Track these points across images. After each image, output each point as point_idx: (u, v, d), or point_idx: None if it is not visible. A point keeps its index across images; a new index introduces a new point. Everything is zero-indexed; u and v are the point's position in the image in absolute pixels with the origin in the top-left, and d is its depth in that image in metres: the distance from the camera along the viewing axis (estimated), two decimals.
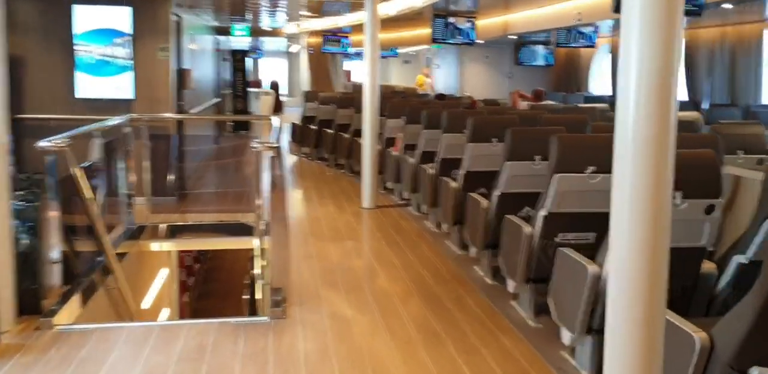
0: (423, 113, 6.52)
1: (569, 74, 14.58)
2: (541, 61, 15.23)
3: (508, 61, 15.30)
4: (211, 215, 6.57)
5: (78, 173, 4.04)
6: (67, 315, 4.00)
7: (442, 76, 16.79)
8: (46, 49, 7.12)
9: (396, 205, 7.24)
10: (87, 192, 4.17)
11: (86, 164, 4.92)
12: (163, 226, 6.11)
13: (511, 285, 4.02)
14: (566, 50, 14.39)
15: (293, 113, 21.00)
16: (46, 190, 3.83)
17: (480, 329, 3.73)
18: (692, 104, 9.85)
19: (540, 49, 15.08)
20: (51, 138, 3.90)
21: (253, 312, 9.50)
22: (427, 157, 6.43)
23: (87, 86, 7.09)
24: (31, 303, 3.82)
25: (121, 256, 5.69)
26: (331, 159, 10.21)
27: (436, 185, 5.86)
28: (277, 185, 3.92)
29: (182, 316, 9.67)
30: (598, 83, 13.97)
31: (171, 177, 7.39)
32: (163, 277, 7.44)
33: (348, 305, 4.11)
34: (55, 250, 3.95)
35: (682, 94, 10.70)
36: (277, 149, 3.76)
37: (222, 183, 9.16)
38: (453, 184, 5.25)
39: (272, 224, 4.08)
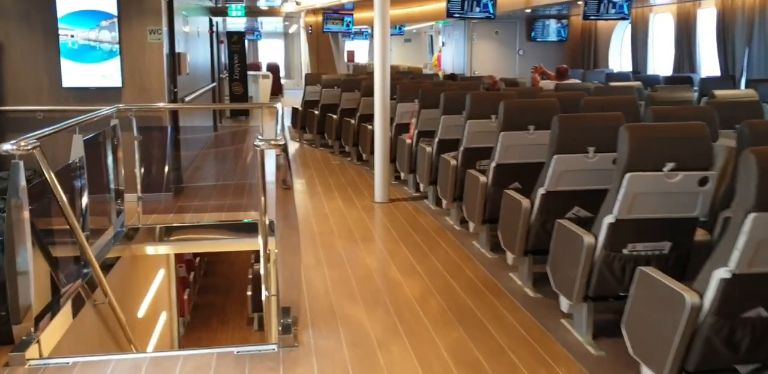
0: (442, 97, 5.89)
1: (585, 50, 13.85)
2: (553, 37, 14.49)
3: (518, 37, 14.57)
4: (211, 214, 5.98)
5: (50, 177, 3.44)
6: (46, 342, 3.43)
7: (450, 54, 16.07)
8: (27, 34, 6.47)
9: (411, 198, 6.64)
10: (61, 198, 3.57)
11: (70, 162, 4.34)
12: (157, 228, 5.53)
13: (564, 304, 3.43)
14: (581, 24, 13.66)
15: (292, 97, 20.42)
16: (10, 199, 3.24)
17: (527, 355, 3.16)
18: (728, 78, 9.14)
19: (553, 23, 14.33)
20: (16, 140, 3.30)
21: (257, 308, 8.98)
22: (447, 145, 5.82)
23: (73, 74, 6.46)
24: (0, 333, 3.26)
25: (114, 260, 5.12)
26: (336, 146, 9.60)
27: (459, 178, 5.27)
28: (283, 185, 3.30)
29: (182, 314, 9.16)
30: (617, 60, 13.26)
31: (165, 171, 6.80)
32: (160, 278, 6.89)
33: (370, 326, 3.54)
34: (26, 267, 3.37)
35: (713, 68, 10.01)
36: (284, 147, 3.14)
37: (221, 175, 8.57)
38: (482, 178, 4.65)
39: (278, 223, 3.50)
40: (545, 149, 3.85)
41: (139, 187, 5.59)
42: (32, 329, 3.31)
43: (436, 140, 5.97)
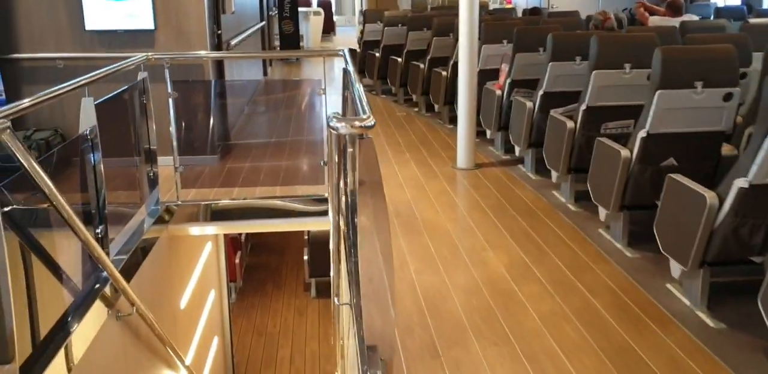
0: (551, 38, 4.63)
1: None
2: None
3: None
4: (263, 187, 4.94)
5: (29, 165, 2.37)
6: None
7: None
8: None
9: (500, 162, 5.49)
10: (48, 188, 2.49)
11: (79, 134, 3.32)
12: (201, 205, 4.54)
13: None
14: None
15: (345, 35, 18.99)
16: None
17: None
18: None
19: None
20: None
21: (314, 273, 8.09)
22: (555, 100, 4.62)
23: (98, 15, 5.38)
24: None
25: (146, 243, 4.16)
26: (401, 94, 8.41)
27: (579, 144, 4.12)
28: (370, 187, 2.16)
29: (233, 279, 8.36)
30: None
31: (210, 131, 5.80)
32: (206, 254, 5.98)
33: None
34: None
35: None
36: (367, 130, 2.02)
37: (275, 130, 7.48)
38: (623, 152, 3.48)
39: (362, 224, 2.41)
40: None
41: (175, 156, 4.55)
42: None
43: (540, 92, 4.76)
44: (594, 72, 3.97)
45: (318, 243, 8.13)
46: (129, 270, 3.62)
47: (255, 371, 7.20)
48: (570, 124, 4.17)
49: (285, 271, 9.67)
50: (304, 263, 8.82)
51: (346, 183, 2.54)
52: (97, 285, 3.10)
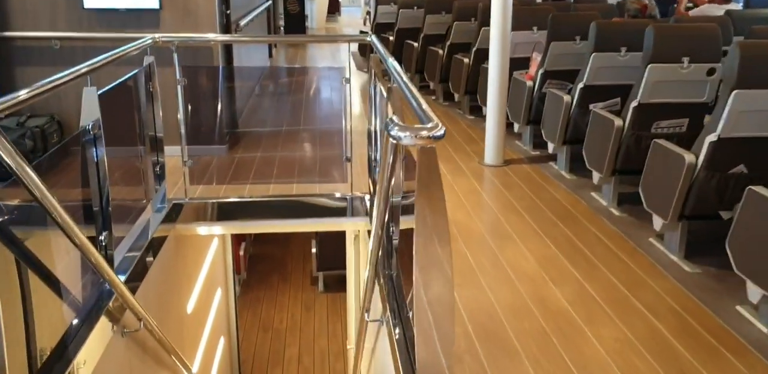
0: (594, 27, 4.24)
1: None
2: None
3: None
4: (277, 185, 4.57)
5: (17, 167, 1.98)
6: None
7: None
8: None
9: (529, 159, 5.14)
10: (42, 193, 2.10)
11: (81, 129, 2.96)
12: (209, 203, 4.19)
13: None
14: None
15: (350, 16, 18.48)
16: None
17: None
18: None
19: None
20: None
21: (323, 266, 7.75)
22: (596, 94, 4.27)
23: None
24: None
25: (152, 244, 3.81)
26: (416, 81, 8.01)
27: (627, 144, 3.77)
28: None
29: (238, 270, 8.02)
30: None
31: (217, 119, 5.43)
32: (213, 250, 5.64)
33: None
34: None
35: None
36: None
37: (284, 117, 7.10)
38: (688, 157, 3.12)
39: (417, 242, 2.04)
40: None
41: (184, 148, 4.18)
42: None
43: (580, 85, 4.38)
44: (650, 66, 3.61)
45: (327, 236, 7.78)
46: (136, 277, 3.29)
47: (262, 369, 6.89)
48: (618, 122, 3.81)
49: (291, 263, 9.34)
50: (312, 256, 8.49)
51: (397, 196, 2.20)
52: (102, 301, 2.76)
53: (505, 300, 2.95)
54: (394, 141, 1.68)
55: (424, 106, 1.90)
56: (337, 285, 8.30)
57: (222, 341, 6.01)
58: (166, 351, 3.49)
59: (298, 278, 8.93)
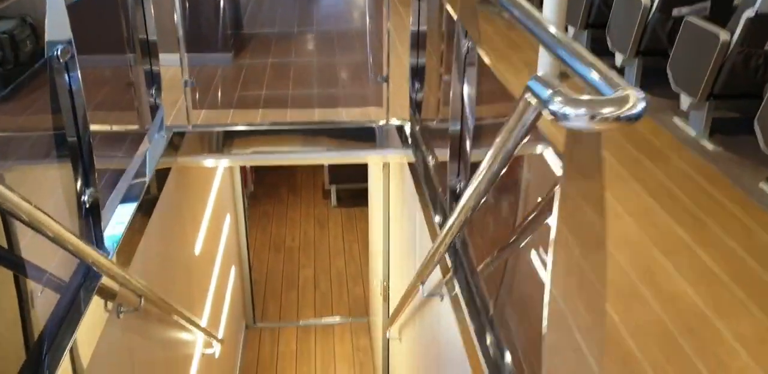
0: None
1: None
2: None
3: None
4: (293, 110, 3.84)
5: None
6: None
7: None
8: None
9: None
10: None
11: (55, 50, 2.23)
12: (215, 132, 3.49)
13: None
14: None
15: None
16: None
17: None
18: None
19: None
20: None
21: (336, 178, 7.19)
22: None
23: None
24: None
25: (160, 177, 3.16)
26: None
27: (729, 63, 3.04)
28: None
29: (245, 183, 7.46)
30: None
31: (220, 21, 4.61)
32: (219, 178, 4.99)
33: None
34: None
35: None
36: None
37: (295, 15, 6.18)
38: (725, 36, 2.42)
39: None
40: None
41: (184, 63, 3.41)
42: None
43: None
44: None
45: None
46: (135, 228, 2.66)
47: (275, 293, 6.49)
48: (724, 36, 3.04)
49: (300, 174, 8.73)
50: (324, 169, 7.89)
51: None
52: (92, 281, 2.15)
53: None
54: (560, 121, 0.98)
55: (600, 64, 1.14)
56: (351, 199, 7.77)
57: (233, 270, 5.54)
58: (172, 314, 2.96)
59: (309, 191, 8.38)
